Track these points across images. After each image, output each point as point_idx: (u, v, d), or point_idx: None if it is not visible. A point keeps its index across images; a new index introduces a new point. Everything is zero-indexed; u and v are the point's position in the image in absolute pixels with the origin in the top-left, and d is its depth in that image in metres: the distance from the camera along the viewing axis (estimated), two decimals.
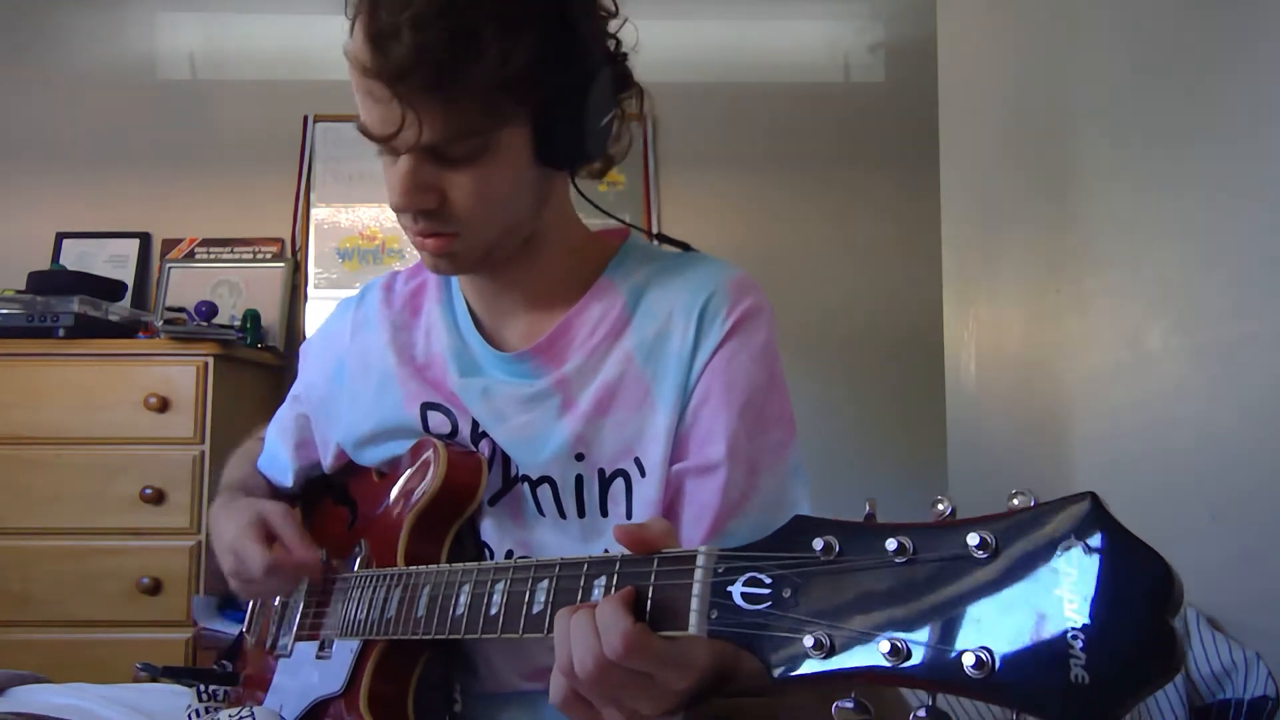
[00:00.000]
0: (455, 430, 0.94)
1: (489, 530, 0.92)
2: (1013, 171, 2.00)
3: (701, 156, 2.91)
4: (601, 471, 0.90)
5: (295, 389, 1.13)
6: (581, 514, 0.90)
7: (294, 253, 2.84)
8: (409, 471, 0.94)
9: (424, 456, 0.93)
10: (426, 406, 0.95)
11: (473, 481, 0.91)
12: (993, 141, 2.11)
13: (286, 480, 1.10)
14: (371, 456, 1.00)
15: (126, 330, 2.41)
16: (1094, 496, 0.43)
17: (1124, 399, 1.57)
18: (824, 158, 2.92)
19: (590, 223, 1.01)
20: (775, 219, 2.90)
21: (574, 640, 0.61)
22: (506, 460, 0.92)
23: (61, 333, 2.27)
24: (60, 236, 2.81)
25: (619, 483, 0.89)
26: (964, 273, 2.23)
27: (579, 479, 0.90)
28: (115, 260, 2.79)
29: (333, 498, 1.08)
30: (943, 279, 2.32)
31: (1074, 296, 1.73)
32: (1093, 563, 0.41)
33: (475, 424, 0.93)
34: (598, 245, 0.99)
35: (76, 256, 2.78)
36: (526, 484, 0.91)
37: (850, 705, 0.49)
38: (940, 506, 0.48)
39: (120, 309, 2.45)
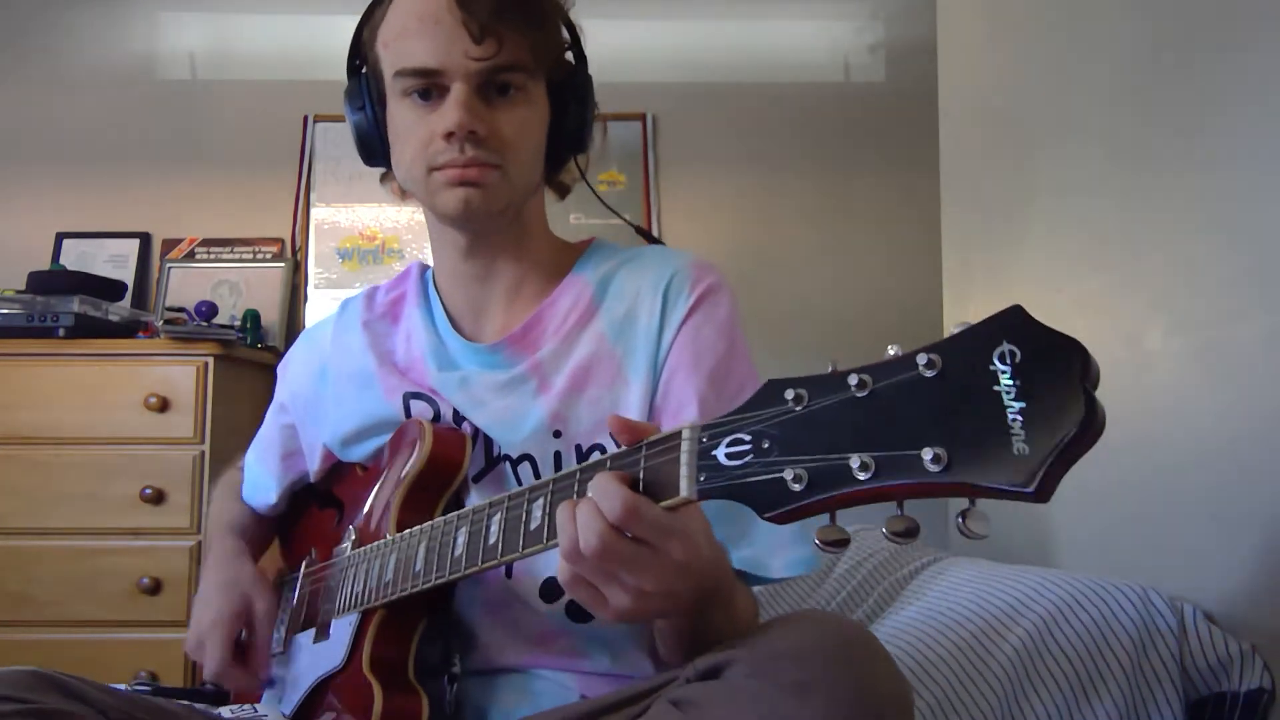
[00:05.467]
0: (438, 417, 0.98)
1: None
2: (1013, 171, 2.00)
3: (701, 156, 2.91)
4: (579, 447, 0.94)
5: (279, 399, 1.16)
6: None
7: (294, 253, 2.84)
8: (396, 452, 0.97)
9: (409, 435, 0.96)
10: (409, 396, 1.00)
11: (458, 454, 0.94)
12: (993, 141, 2.11)
13: (271, 498, 1.13)
14: (359, 453, 1.03)
15: (126, 330, 2.41)
16: (1019, 308, 0.48)
17: (1124, 398, 1.57)
18: (824, 158, 2.92)
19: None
20: (775, 218, 2.90)
21: (579, 522, 0.64)
22: (488, 440, 0.96)
23: (61, 333, 2.27)
24: (60, 236, 2.81)
25: (596, 456, 0.91)
26: (964, 273, 2.23)
27: (557, 455, 0.94)
28: (115, 260, 2.79)
29: (318, 504, 1.10)
30: (943, 279, 2.32)
31: (1074, 296, 1.73)
32: (1022, 357, 0.47)
33: (456, 411, 0.97)
34: (568, 249, 1.07)
35: (76, 256, 2.78)
36: (508, 463, 0.95)
37: (828, 523, 0.55)
38: (891, 350, 0.53)
39: (120, 309, 2.45)
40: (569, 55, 1.01)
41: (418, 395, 0.99)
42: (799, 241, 2.89)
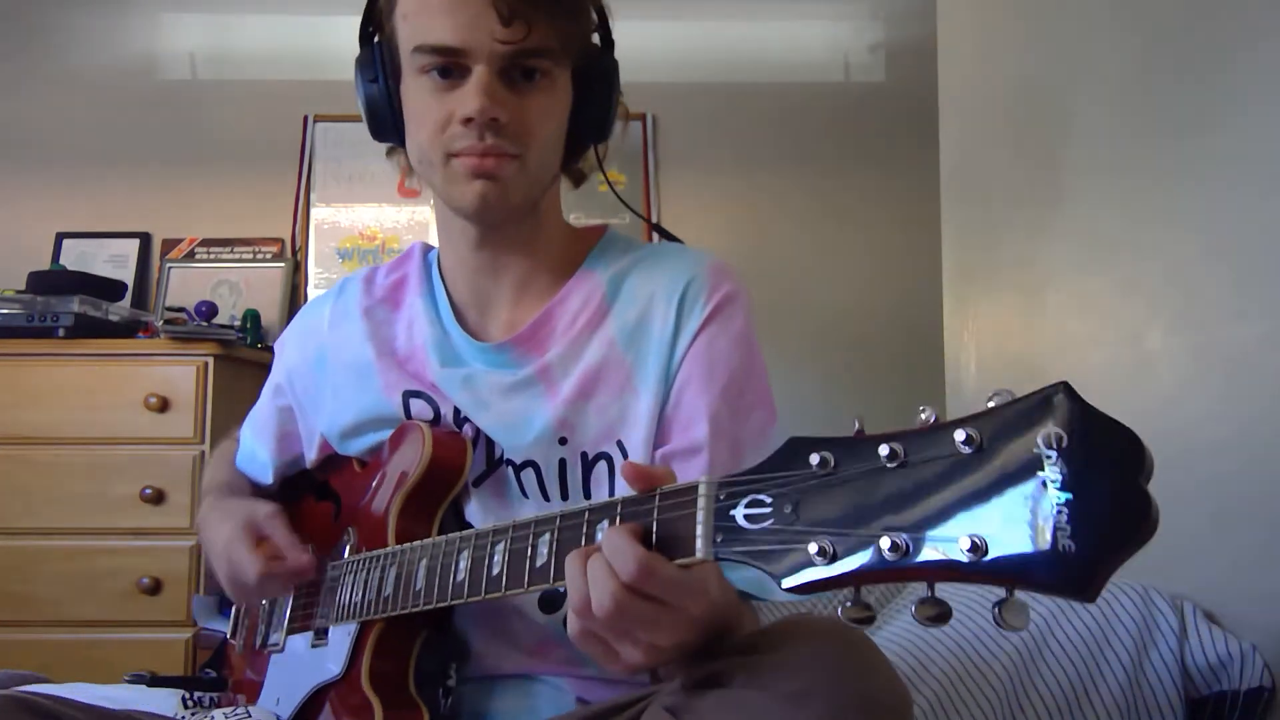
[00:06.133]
0: (438, 417, 0.95)
1: (474, 512, 0.93)
2: (1013, 171, 2.00)
3: (701, 156, 2.91)
4: (584, 455, 0.91)
5: (274, 380, 1.12)
6: (565, 496, 0.91)
7: (294, 253, 2.84)
8: (394, 454, 0.95)
9: (409, 438, 0.93)
10: (408, 395, 0.97)
11: (459, 460, 0.92)
12: (992, 142, 2.11)
13: (267, 478, 1.10)
14: (356, 447, 1.01)
15: (126, 330, 2.41)
16: (1067, 386, 0.45)
17: (1124, 399, 1.57)
18: (824, 157, 2.92)
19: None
20: (775, 219, 2.90)
21: (591, 579, 0.62)
22: (490, 443, 0.94)
23: (61, 333, 2.27)
24: (60, 236, 2.81)
25: (602, 465, 0.91)
26: (964, 273, 2.23)
27: (562, 462, 0.91)
28: (115, 260, 2.79)
29: (315, 495, 1.08)
30: (943, 279, 2.32)
31: (1074, 296, 1.73)
32: (1070, 443, 0.44)
33: (457, 411, 0.94)
34: (579, 239, 1.02)
35: (76, 256, 2.78)
36: (510, 467, 0.92)
37: (850, 604, 0.52)
38: (924, 415, 0.50)
39: (120, 309, 2.45)
40: (595, 38, 0.96)
41: (417, 394, 0.97)
42: (799, 241, 2.89)
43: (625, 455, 0.90)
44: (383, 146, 1.01)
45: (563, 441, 0.91)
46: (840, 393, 2.83)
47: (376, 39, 0.94)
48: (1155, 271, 1.50)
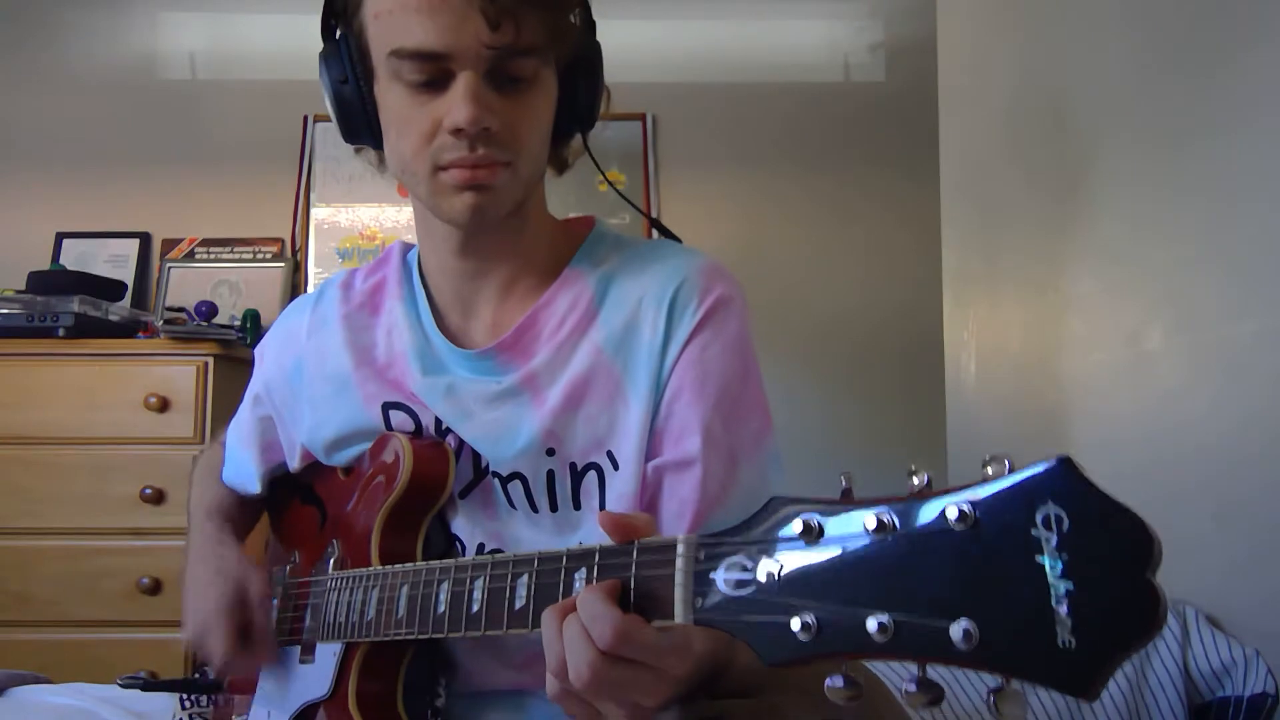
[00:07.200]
0: (419, 429, 0.93)
1: (460, 524, 0.91)
2: (1013, 171, 2.00)
3: (701, 156, 2.91)
4: (573, 465, 0.88)
5: (254, 389, 1.09)
6: (554, 508, 0.89)
7: (294, 253, 2.84)
8: (375, 467, 0.92)
9: (389, 452, 0.91)
10: (388, 406, 0.94)
11: (441, 473, 0.89)
12: (993, 141, 2.11)
13: (254, 487, 1.07)
14: (340, 459, 0.98)
15: (126, 330, 2.42)
16: (1068, 460, 0.42)
17: (1124, 399, 1.57)
18: (824, 158, 2.92)
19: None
20: (775, 219, 2.90)
21: (568, 645, 0.60)
22: (476, 453, 0.90)
23: (61, 333, 2.27)
24: (60, 236, 2.81)
25: (591, 476, 0.88)
26: (964, 273, 2.23)
27: (550, 474, 0.88)
28: (115, 260, 2.79)
29: (300, 497, 1.06)
30: (943, 279, 2.32)
31: (1074, 296, 1.73)
32: (1071, 525, 0.41)
33: (439, 421, 0.91)
34: (566, 234, 0.98)
35: (76, 256, 2.78)
36: (497, 479, 0.90)
37: (840, 684, 0.49)
38: (916, 480, 0.47)
39: (120, 309, 2.46)
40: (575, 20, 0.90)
41: (397, 405, 0.93)
42: (799, 241, 2.89)
43: (616, 466, 0.87)
44: None
45: (550, 452, 0.88)
46: (840, 393, 2.83)
47: (339, 33, 0.88)
48: (1155, 271, 1.50)
